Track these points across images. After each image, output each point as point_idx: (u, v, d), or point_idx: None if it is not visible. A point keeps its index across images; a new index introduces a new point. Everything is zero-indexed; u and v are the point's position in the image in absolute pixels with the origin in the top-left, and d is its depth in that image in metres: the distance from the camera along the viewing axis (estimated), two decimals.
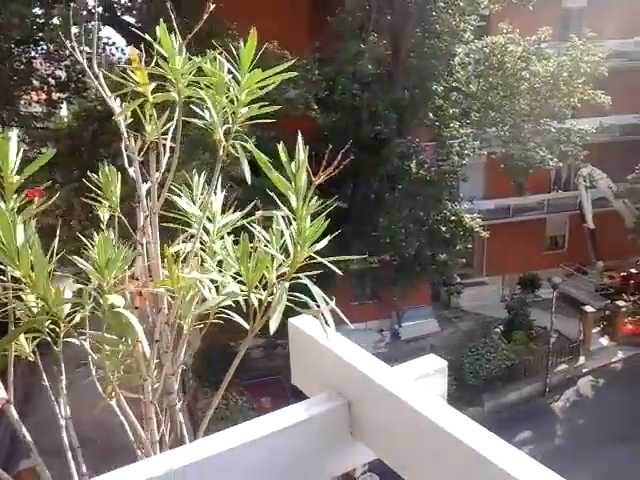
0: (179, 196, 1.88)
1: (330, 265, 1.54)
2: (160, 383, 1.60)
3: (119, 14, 18.03)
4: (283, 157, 1.44)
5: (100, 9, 17.86)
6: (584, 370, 23.81)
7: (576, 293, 28.84)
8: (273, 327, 1.35)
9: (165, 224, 1.98)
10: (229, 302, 1.71)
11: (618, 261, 30.87)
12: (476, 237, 22.54)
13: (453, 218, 20.12)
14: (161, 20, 1.72)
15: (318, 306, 1.41)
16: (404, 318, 25.92)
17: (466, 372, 21.17)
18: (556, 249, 31.73)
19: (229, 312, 1.61)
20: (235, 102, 1.71)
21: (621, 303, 26.18)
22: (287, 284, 1.38)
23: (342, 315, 1.50)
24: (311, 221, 1.47)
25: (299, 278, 1.41)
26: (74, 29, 2.89)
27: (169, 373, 1.62)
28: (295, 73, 1.82)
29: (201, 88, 1.67)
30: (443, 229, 19.82)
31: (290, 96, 16.33)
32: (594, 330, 26.00)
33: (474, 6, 18.68)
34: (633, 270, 29.94)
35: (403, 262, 20.19)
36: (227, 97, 1.74)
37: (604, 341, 25.83)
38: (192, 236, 1.80)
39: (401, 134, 19.46)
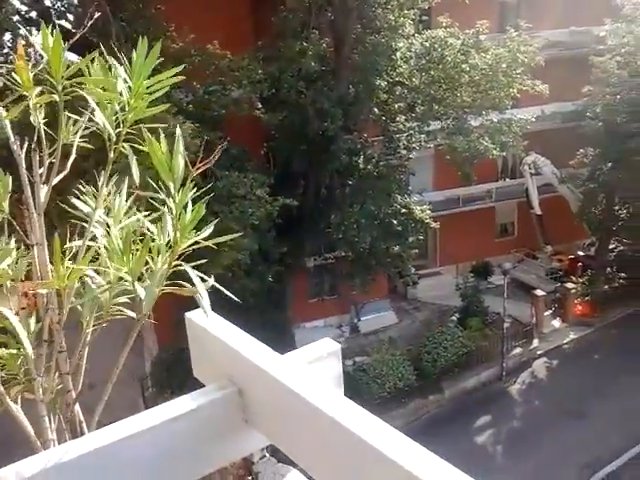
0: (77, 197, 1.87)
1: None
2: (53, 382, 1.60)
3: (54, 19, 17.57)
4: (163, 147, 1.46)
5: (34, 14, 17.38)
6: (538, 352, 24.49)
7: (527, 278, 29.64)
8: (146, 309, 1.37)
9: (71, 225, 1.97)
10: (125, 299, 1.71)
11: (566, 244, 31.87)
12: (429, 228, 22.88)
13: (404, 211, 20.39)
14: (42, 23, 1.71)
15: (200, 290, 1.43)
16: (363, 312, 26.16)
17: (425, 361, 21.50)
18: (506, 236, 32.53)
19: (121, 308, 1.62)
20: (127, 107, 1.72)
21: (570, 285, 27.03)
22: (163, 271, 1.39)
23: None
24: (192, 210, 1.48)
25: (181, 266, 1.43)
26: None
27: (64, 372, 1.62)
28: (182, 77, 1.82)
29: (85, 89, 1.67)
30: (395, 222, 20.07)
31: (234, 96, 16.26)
32: (546, 313, 26.77)
33: (412, 1, 18.93)
34: (580, 253, 30.94)
35: (358, 257, 20.37)
36: (120, 102, 1.74)
37: (556, 323, 26.63)
38: (94, 236, 1.80)
39: (348, 130, 19.60)
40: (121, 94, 1.70)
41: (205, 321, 1.63)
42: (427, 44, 18.76)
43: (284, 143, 19.21)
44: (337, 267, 22.21)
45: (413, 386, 21.06)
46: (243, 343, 1.56)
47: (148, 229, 1.49)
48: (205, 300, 1.44)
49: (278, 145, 19.23)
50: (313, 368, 1.59)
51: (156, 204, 1.56)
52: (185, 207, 1.46)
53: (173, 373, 19.26)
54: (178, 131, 1.51)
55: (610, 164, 25.48)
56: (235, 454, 1.53)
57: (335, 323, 26.34)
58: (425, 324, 25.65)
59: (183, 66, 1.98)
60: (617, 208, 27.14)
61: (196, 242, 1.48)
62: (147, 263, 1.44)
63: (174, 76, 1.72)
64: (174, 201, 1.44)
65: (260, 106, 17.08)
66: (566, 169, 28.14)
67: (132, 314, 1.48)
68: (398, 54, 19.52)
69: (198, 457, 1.44)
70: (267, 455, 1.65)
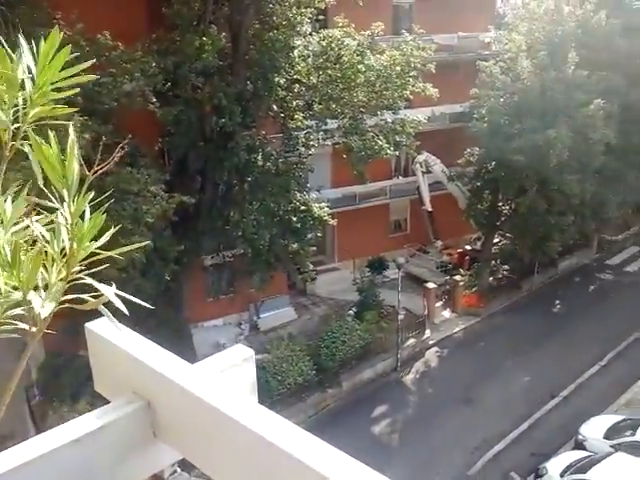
0: None
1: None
2: None
3: None
4: (54, 150, 1.36)
5: None
6: (430, 342, 25.65)
7: (419, 271, 30.94)
8: (43, 323, 1.28)
9: None
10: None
11: (455, 239, 33.62)
12: (327, 225, 23.22)
13: (303, 208, 20.55)
14: None
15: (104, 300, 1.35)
16: (262, 309, 26.12)
17: (323, 356, 21.85)
18: (400, 232, 33.76)
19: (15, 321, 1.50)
20: (29, 101, 1.58)
21: (459, 278, 28.51)
22: (60, 285, 1.31)
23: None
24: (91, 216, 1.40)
25: (81, 278, 1.35)
26: None
27: None
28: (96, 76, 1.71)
29: None
30: (294, 219, 20.19)
31: (127, 89, 15.62)
32: (437, 304, 28.12)
33: None
34: (468, 247, 32.77)
35: (257, 254, 20.28)
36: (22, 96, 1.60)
37: (446, 314, 28.02)
38: None
39: (247, 126, 19.44)
40: (23, 86, 1.56)
41: (107, 331, 1.56)
42: (324, 43, 19.02)
43: (180, 139, 18.67)
44: (236, 265, 22.00)
45: (313, 381, 21.34)
46: (149, 353, 1.50)
47: (43, 237, 1.39)
48: (110, 315, 1.37)
49: (174, 141, 18.67)
50: (226, 376, 1.56)
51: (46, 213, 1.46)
52: (82, 215, 1.38)
53: (63, 381, 18.25)
54: (71, 132, 1.42)
55: (494, 163, 27.15)
56: (144, 471, 1.47)
57: (235, 321, 26.11)
58: (324, 319, 26.06)
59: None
60: (501, 204, 28.95)
61: (95, 252, 1.40)
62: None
63: (87, 72, 1.60)
64: (69, 210, 1.35)
65: (155, 100, 16.49)
66: (455, 168, 29.63)
67: (26, 326, 1.38)
68: (296, 52, 19.61)
69: (107, 477, 1.37)
70: (178, 470, 1.60)
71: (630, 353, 24.49)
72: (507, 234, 30.38)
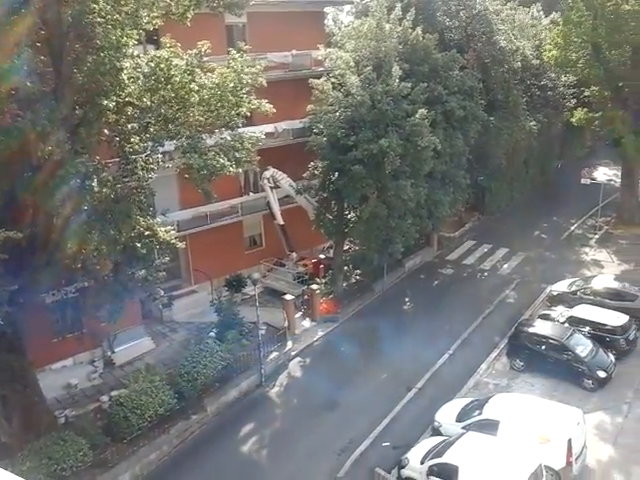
0: None
1: None
2: None
3: None
4: None
5: None
6: (293, 353, 26.00)
7: (277, 285, 31.38)
8: None
9: None
10: None
11: (309, 249, 34.54)
12: (181, 248, 22.70)
13: (147, 233, 19.91)
14: None
15: None
16: (116, 343, 24.90)
17: (184, 382, 21.28)
18: (256, 247, 34.01)
19: None
20: None
21: (315, 287, 29.25)
22: None
23: None
24: None
25: None
26: None
27: None
28: None
29: None
30: (139, 245, 19.49)
31: None
32: (297, 315, 28.63)
33: (134, 20, 18.63)
34: (322, 256, 33.80)
35: (102, 285, 19.30)
36: None
37: (306, 323, 28.61)
38: None
39: (77, 153, 18.48)
40: None
41: None
42: (152, 64, 18.65)
43: (3, 170, 17.30)
44: (81, 299, 20.74)
45: (175, 410, 20.68)
46: None
47: None
48: None
49: None
50: None
51: None
52: None
53: None
54: None
55: (336, 174, 28.29)
56: None
57: (87, 359, 24.63)
58: (183, 345, 25.45)
59: None
60: (347, 213, 30.21)
61: None
62: None
63: None
64: None
65: None
66: (302, 181, 30.46)
67: None
68: (124, 74, 19.02)
69: None
70: None
71: (473, 339, 26.65)
72: (355, 240, 31.77)
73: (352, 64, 28.08)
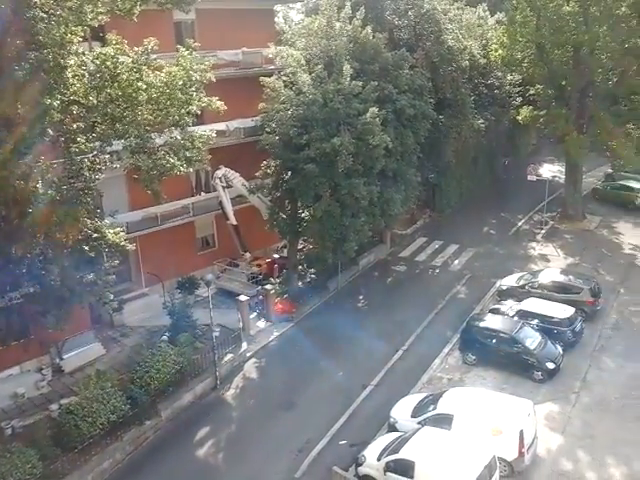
0: None
1: None
2: None
3: None
4: None
5: None
6: (248, 354, 25.76)
7: (231, 286, 31.05)
8: None
9: None
10: None
11: (264, 249, 34.31)
12: (130, 250, 22.11)
13: (96, 235, 19.33)
14: None
15: None
16: (65, 349, 24.10)
17: (136, 388, 20.79)
18: (209, 248, 33.53)
19: None
20: None
21: (269, 287, 29.08)
22: None
23: None
24: None
25: None
26: None
27: None
28: None
29: None
30: (86, 248, 18.90)
31: None
32: (252, 316, 28.40)
33: (79, 16, 18.05)
34: (276, 255, 33.63)
35: (48, 291, 18.62)
36: None
37: (261, 324, 28.40)
38: None
39: (20, 153, 17.78)
40: None
41: None
42: (98, 62, 18.10)
43: None
44: (26, 305, 19.96)
45: (128, 416, 20.17)
46: None
47: None
48: None
49: None
50: None
51: None
52: None
53: None
54: None
55: (289, 173, 28.17)
56: None
57: (34, 367, 23.74)
58: (135, 349, 24.85)
59: None
60: (300, 212, 30.11)
61: None
62: None
63: None
64: None
65: None
66: (255, 180, 30.19)
67: None
68: (69, 72, 18.41)
69: None
70: None
71: (426, 335, 27.03)
72: (309, 239, 31.72)
73: (303, 62, 28.00)
